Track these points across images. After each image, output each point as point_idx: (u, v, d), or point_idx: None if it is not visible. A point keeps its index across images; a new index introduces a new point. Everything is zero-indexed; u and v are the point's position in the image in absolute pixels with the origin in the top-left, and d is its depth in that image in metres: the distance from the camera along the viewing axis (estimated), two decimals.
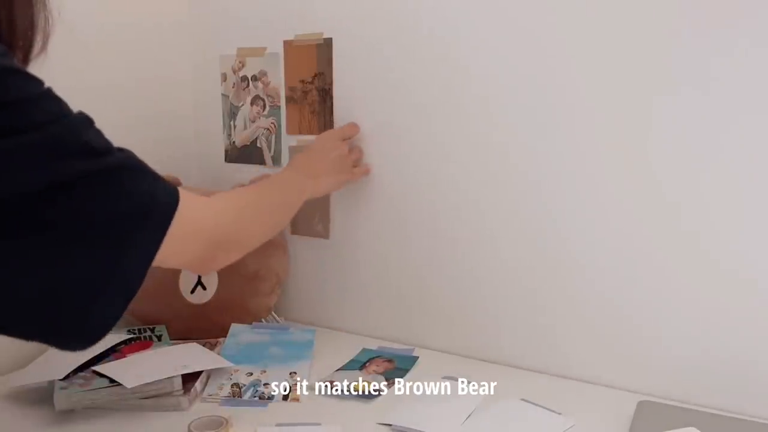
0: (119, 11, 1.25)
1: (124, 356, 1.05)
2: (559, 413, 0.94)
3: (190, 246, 0.71)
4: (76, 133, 0.58)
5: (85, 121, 0.60)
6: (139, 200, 0.62)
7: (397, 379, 1.06)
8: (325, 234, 1.27)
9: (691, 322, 0.96)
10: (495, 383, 1.02)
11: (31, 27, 0.62)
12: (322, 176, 1.09)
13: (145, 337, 1.15)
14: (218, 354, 1.10)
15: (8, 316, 0.58)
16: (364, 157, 1.20)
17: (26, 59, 0.63)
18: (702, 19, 0.89)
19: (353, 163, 1.17)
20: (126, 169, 0.62)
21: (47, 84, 0.58)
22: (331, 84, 1.21)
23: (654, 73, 0.93)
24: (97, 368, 0.99)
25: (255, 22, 1.29)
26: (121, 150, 0.63)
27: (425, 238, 1.16)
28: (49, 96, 0.58)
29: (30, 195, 0.54)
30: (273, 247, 1.24)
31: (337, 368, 1.10)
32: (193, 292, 1.21)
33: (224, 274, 1.19)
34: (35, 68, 0.62)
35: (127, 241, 0.61)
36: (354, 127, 1.18)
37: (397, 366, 1.11)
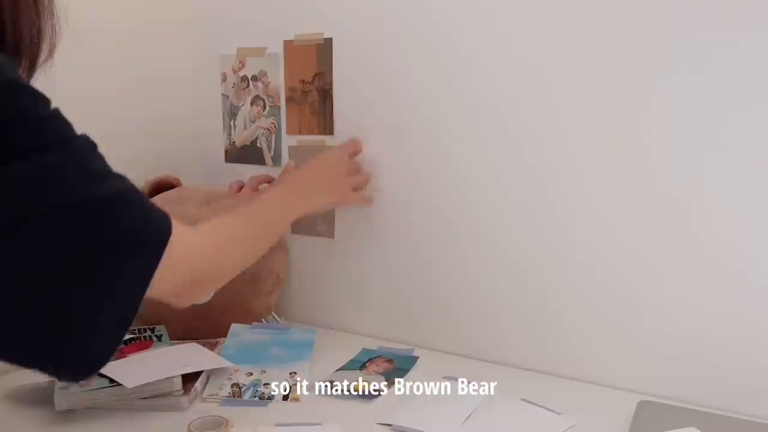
0: (119, 11, 1.25)
1: (124, 356, 1.05)
2: (559, 413, 0.94)
3: (172, 278, 0.69)
4: (79, 159, 0.58)
5: (88, 146, 0.61)
6: (135, 230, 0.62)
7: (397, 379, 1.06)
8: (329, 234, 1.27)
9: (692, 322, 0.96)
10: (495, 383, 1.02)
11: (38, 35, 0.63)
12: (314, 195, 1.06)
13: (145, 337, 1.14)
14: (218, 354, 1.09)
15: (4, 344, 0.58)
16: (371, 182, 1.17)
17: (33, 66, 0.63)
18: (707, 13, 0.89)
19: (353, 186, 1.14)
20: (122, 198, 0.62)
21: (52, 83, 0.58)
22: (331, 84, 1.21)
23: (658, 70, 0.93)
24: None
25: (255, 22, 1.29)
26: (119, 176, 0.63)
27: (425, 237, 1.16)
28: (56, 117, 0.58)
29: (27, 222, 0.54)
30: (273, 247, 1.23)
31: (337, 368, 1.10)
32: None
33: None
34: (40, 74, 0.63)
35: (122, 271, 0.61)
36: (356, 144, 1.16)
37: (397, 366, 1.11)
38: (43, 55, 0.64)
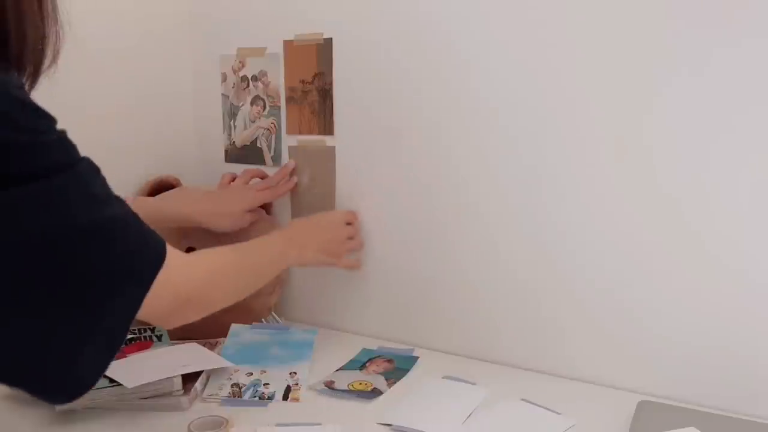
0: (119, 11, 1.24)
1: (125, 356, 1.05)
2: (559, 413, 0.94)
3: (161, 301, 0.69)
4: (82, 184, 0.59)
5: (91, 169, 0.61)
6: (129, 255, 0.63)
7: (397, 379, 1.06)
8: None
9: (691, 322, 0.96)
10: (495, 383, 1.02)
11: (42, 41, 0.63)
12: (311, 252, 1.08)
13: (145, 337, 1.14)
14: (218, 354, 1.10)
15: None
16: (362, 248, 1.21)
17: (37, 73, 0.63)
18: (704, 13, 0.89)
19: (348, 250, 1.17)
20: (121, 222, 0.63)
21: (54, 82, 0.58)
22: (331, 84, 1.21)
23: (658, 71, 0.93)
24: None
25: (255, 22, 1.29)
26: (118, 200, 0.64)
27: (425, 238, 1.16)
28: (62, 140, 0.59)
29: (26, 245, 0.55)
30: None
31: (337, 368, 1.10)
32: None
33: None
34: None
35: (113, 296, 0.61)
36: (355, 215, 1.20)
37: (397, 366, 1.11)
38: (47, 62, 0.64)
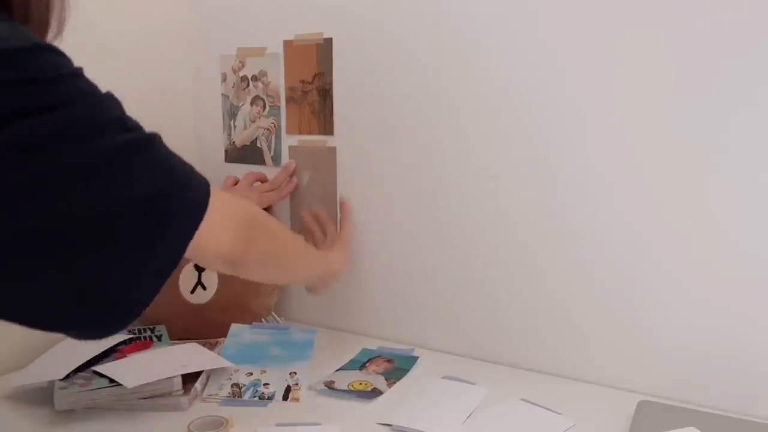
0: (119, 11, 1.25)
1: (124, 356, 1.05)
2: (559, 413, 0.94)
3: (227, 227, 0.69)
4: (108, 109, 0.57)
5: (115, 100, 0.59)
6: (179, 174, 0.61)
7: (397, 379, 1.06)
8: None
9: (691, 322, 0.96)
10: (495, 383, 1.02)
11: (47, 10, 0.61)
12: (336, 265, 1.11)
13: (145, 337, 1.15)
14: (218, 354, 1.10)
15: (34, 307, 0.55)
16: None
17: (42, 39, 0.62)
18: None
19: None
20: (159, 144, 0.61)
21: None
22: (331, 84, 1.21)
23: (658, 63, 0.93)
24: (97, 368, 0.99)
25: (255, 22, 1.29)
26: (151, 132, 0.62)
27: (426, 238, 1.16)
28: (80, 75, 0.57)
29: (67, 172, 0.52)
30: None
31: (337, 368, 1.10)
32: (193, 292, 1.22)
33: (224, 273, 1.19)
34: None
35: (167, 220, 0.58)
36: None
37: (397, 366, 1.11)
38: (51, 32, 0.62)
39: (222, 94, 1.36)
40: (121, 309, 0.58)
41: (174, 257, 0.60)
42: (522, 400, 0.98)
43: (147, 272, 0.58)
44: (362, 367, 1.11)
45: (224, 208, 0.68)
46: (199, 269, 1.23)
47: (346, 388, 1.03)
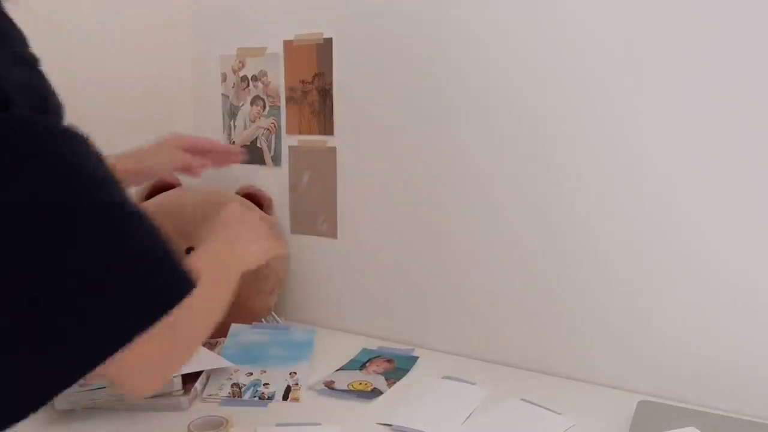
0: (118, 11, 1.25)
1: None
2: (559, 413, 0.94)
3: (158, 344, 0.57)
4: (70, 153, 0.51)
5: (81, 141, 0.53)
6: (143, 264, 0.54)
7: (397, 379, 1.06)
8: (331, 234, 1.27)
9: (691, 322, 0.96)
10: (495, 383, 1.02)
11: None
12: (252, 244, 0.83)
13: None
14: (218, 354, 1.09)
15: None
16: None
17: None
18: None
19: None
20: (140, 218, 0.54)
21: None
22: (330, 84, 1.21)
23: (658, 64, 0.93)
24: None
25: (255, 22, 1.29)
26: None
27: (425, 238, 1.16)
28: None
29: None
30: None
31: (337, 368, 1.10)
32: None
33: None
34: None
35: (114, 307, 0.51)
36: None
37: (397, 366, 1.11)
38: None
39: (222, 94, 1.36)
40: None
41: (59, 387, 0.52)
42: (522, 400, 0.98)
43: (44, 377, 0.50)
44: (362, 367, 1.11)
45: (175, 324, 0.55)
46: None
47: (346, 388, 1.03)
